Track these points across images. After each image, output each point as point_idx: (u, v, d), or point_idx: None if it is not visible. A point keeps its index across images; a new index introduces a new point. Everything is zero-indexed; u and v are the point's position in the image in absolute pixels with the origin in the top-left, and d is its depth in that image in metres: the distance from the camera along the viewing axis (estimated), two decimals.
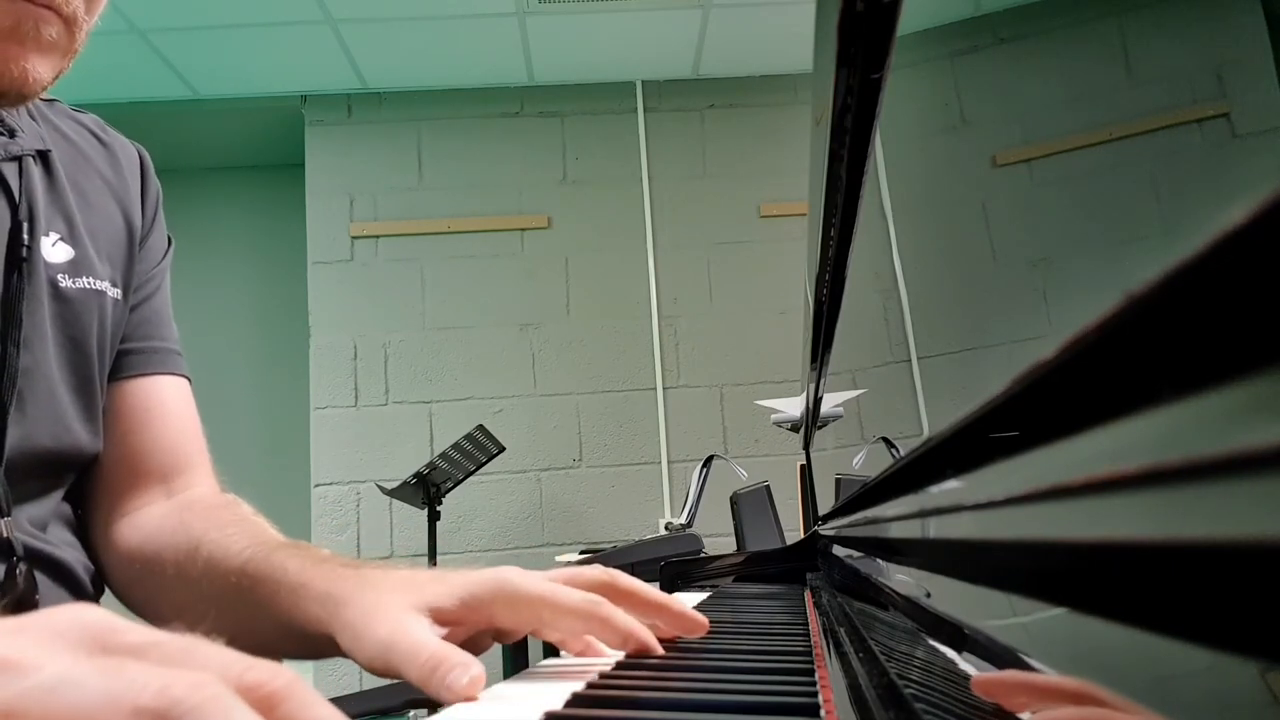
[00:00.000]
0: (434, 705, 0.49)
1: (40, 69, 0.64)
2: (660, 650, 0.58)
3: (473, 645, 0.61)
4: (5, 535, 0.68)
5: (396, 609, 0.56)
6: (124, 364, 0.83)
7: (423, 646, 0.51)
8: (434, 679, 0.49)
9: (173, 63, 3.33)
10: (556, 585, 0.59)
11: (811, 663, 0.54)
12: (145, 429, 0.83)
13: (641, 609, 0.62)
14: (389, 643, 0.53)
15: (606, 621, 0.58)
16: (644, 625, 0.60)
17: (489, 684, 0.51)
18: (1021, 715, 0.23)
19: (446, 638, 0.56)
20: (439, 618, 0.57)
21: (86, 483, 0.81)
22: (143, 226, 0.85)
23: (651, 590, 0.64)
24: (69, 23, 0.65)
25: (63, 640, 0.25)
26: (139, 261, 0.84)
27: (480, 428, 2.86)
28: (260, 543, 0.70)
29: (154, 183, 0.89)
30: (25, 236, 0.72)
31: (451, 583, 0.59)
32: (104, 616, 0.27)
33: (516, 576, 0.59)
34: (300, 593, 0.62)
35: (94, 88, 3.33)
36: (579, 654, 0.61)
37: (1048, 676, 0.22)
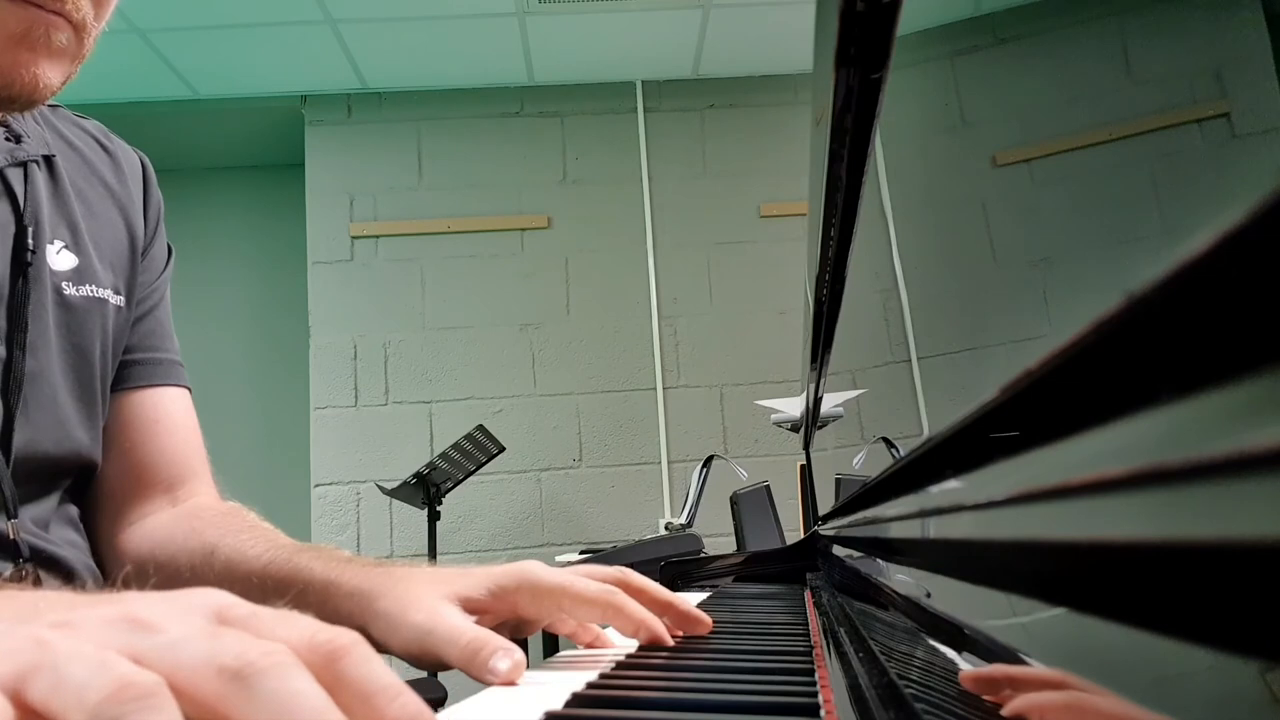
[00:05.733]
0: (439, 704, 0.50)
1: (50, 75, 0.64)
2: (670, 641, 0.61)
3: None
4: (12, 536, 0.69)
5: (430, 598, 0.59)
6: (128, 375, 0.83)
7: (463, 631, 0.54)
8: (476, 661, 0.52)
9: (173, 63, 3.33)
10: (575, 576, 0.63)
11: (811, 663, 0.54)
12: (151, 440, 0.84)
13: (650, 605, 0.65)
14: (428, 628, 0.56)
15: (621, 610, 0.61)
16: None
17: None
18: (1020, 715, 0.23)
19: None
20: (468, 606, 0.60)
21: (91, 492, 0.81)
22: (145, 235, 0.86)
23: (661, 588, 0.67)
24: (78, 29, 0.65)
25: (192, 611, 0.32)
26: (142, 272, 0.84)
27: (480, 428, 2.86)
28: (279, 547, 0.72)
29: (156, 192, 0.89)
30: (30, 242, 0.72)
31: (478, 575, 0.63)
32: (224, 595, 0.33)
33: (538, 569, 0.64)
34: (329, 590, 0.64)
35: (94, 88, 3.33)
36: (588, 646, 0.64)
37: (1034, 669, 0.22)
